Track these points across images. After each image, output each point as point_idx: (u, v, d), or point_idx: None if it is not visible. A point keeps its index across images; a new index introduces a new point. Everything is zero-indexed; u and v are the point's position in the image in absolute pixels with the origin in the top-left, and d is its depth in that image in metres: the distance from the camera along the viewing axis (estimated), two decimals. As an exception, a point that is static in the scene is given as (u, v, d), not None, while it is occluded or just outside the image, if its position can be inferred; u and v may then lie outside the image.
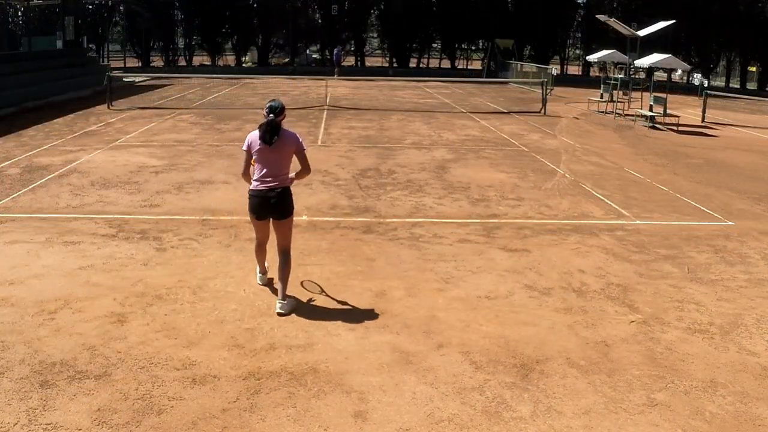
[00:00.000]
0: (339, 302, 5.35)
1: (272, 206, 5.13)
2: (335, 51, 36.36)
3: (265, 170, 5.10)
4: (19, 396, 3.87)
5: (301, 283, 5.68)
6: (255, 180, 5.15)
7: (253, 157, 5.15)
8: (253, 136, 5.13)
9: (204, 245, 6.65)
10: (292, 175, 5.25)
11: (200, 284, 5.61)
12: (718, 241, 7.35)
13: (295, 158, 5.25)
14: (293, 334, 4.75)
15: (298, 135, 5.28)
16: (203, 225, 7.35)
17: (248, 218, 7.28)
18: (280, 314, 5.06)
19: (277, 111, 5.08)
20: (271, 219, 5.24)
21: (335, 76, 25.78)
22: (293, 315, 5.07)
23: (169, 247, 6.59)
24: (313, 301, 5.37)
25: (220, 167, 10.46)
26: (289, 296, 5.24)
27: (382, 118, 17.15)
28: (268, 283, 5.65)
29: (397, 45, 43.28)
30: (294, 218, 5.35)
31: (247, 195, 5.24)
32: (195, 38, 42.83)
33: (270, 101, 5.16)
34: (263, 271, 5.70)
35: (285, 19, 41.84)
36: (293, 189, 5.29)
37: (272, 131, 5.03)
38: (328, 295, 5.48)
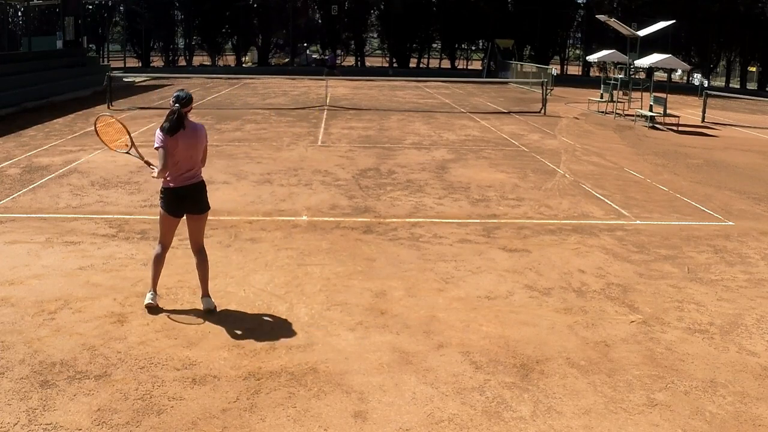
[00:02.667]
0: (339, 302, 5.35)
1: (191, 200, 4.96)
2: (330, 55, 36.47)
3: (179, 165, 4.87)
4: (19, 396, 3.87)
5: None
6: (170, 176, 4.89)
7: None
8: (159, 133, 4.86)
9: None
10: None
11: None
12: (718, 241, 7.35)
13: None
14: (293, 334, 4.75)
15: (204, 127, 5.08)
16: (203, 225, 7.34)
17: (249, 218, 7.28)
18: (209, 311, 5.01)
19: (184, 101, 4.84)
20: (186, 216, 5.04)
21: (324, 75, 25.81)
22: (293, 315, 5.07)
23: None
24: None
25: (220, 167, 10.46)
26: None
27: (382, 118, 17.15)
28: (157, 308, 5.07)
29: (397, 45, 43.26)
30: (208, 216, 5.17)
31: (160, 193, 5.03)
32: (195, 38, 42.82)
33: (178, 90, 4.99)
34: (155, 289, 5.14)
35: (285, 19, 41.83)
36: None
37: (177, 122, 4.79)
38: (328, 295, 5.48)
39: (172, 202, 4.97)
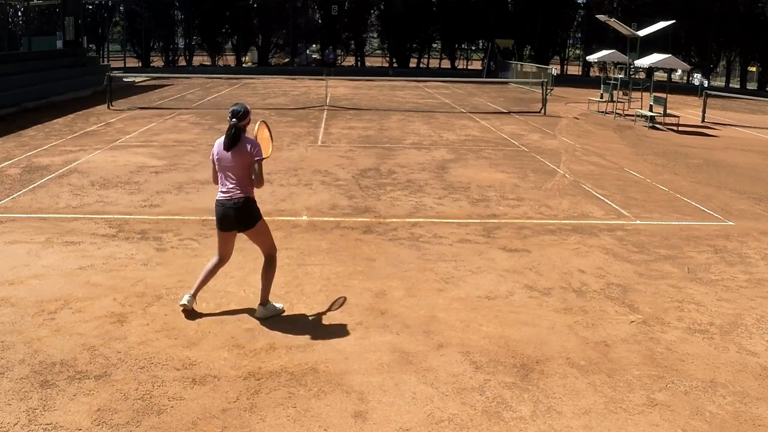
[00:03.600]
0: (339, 302, 5.35)
1: (234, 218, 4.84)
2: (330, 54, 36.51)
3: (226, 179, 4.85)
4: (19, 396, 3.87)
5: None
6: (219, 190, 4.92)
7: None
8: (219, 143, 4.89)
9: (204, 245, 6.65)
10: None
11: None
12: (718, 241, 7.35)
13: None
14: (293, 334, 4.75)
15: (258, 144, 4.92)
16: (203, 225, 7.35)
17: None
18: (260, 319, 4.94)
19: (240, 115, 4.79)
20: (238, 234, 4.99)
21: (324, 75, 25.85)
22: (293, 315, 5.06)
23: (169, 247, 6.59)
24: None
25: (220, 167, 10.46)
26: (270, 302, 5.05)
27: (382, 118, 17.15)
28: (191, 311, 4.99)
29: (397, 45, 43.27)
30: (261, 223, 4.98)
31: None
32: (195, 38, 42.83)
33: (234, 105, 4.92)
34: (194, 294, 5.02)
35: (285, 19, 41.84)
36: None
37: (233, 137, 4.76)
38: (328, 295, 5.48)
39: (218, 217, 4.93)
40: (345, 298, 5.40)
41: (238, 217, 4.85)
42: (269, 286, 5.03)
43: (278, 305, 5.13)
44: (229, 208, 4.83)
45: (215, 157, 4.90)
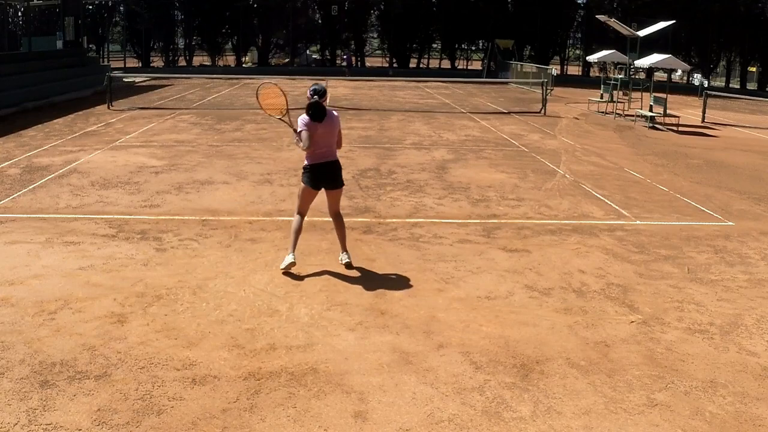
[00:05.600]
0: (339, 302, 5.35)
1: (329, 176, 5.84)
2: (345, 55, 36.73)
3: (320, 145, 5.74)
4: (19, 396, 3.87)
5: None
6: (312, 155, 5.77)
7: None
8: (305, 118, 5.68)
9: (204, 245, 6.65)
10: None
11: (200, 284, 5.61)
12: (718, 242, 7.35)
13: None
14: (293, 334, 4.75)
15: (338, 115, 5.93)
16: (203, 225, 7.35)
17: (249, 218, 7.29)
18: (347, 264, 6.00)
19: (321, 93, 5.71)
20: (324, 190, 5.91)
21: (347, 76, 26.00)
22: (293, 315, 5.07)
23: (169, 247, 6.59)
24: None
25: (220, 167, 10.47)
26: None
27: (382, 119, 17.15)
28: (289, 272, 5.81)
29: (397, 45, 43.27)
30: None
31: (302, 169, 5.91)
32: (195, 38, 42.82)
33: (314, 85, 5.80)
34: (293, 251, 5.85)
35: (285, 19, 41.83)
36: None
37: (321, 111, 5.66)
38: (328, 295, 5.49)
39: (312, 178, 5.84)
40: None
41: (338, 176, 5.91)
42: (345, 236, 6.11)
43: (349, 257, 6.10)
44: (330, 170, 5.84)
45: (308, 128, 5.69)
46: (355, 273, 6.01)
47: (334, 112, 5.88)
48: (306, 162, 5.87)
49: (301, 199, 5.98)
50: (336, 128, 5.85)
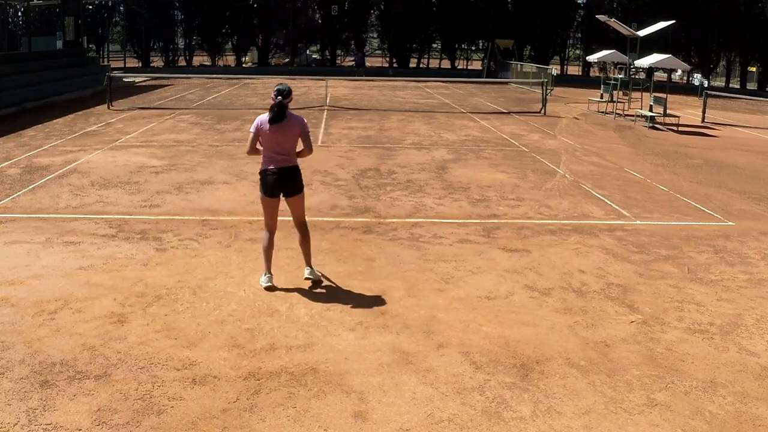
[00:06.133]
0: (339, 302, 5.35)
1: (283, 183, 5.42)
2: (357, 55, 36.88)
3: (276, 150, 5.39)
4: (19, 396, 3.87)
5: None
6: (265, 160, 5.44)
7: (260, 138, 5.46)
8: (263, 118, 5.42)
9: (204, 245, 6.65)
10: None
11: (200, 284, 5.61)
12: (718, 242, 7.35)
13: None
14: (293, 334, 4.75)
15: (302, 119, 5.55)
16: (203, 225, 7.35)
17: (249, 218, 7.28)
18: (308, 279, 5.59)
19: (285, 93, 5.34)
20: (282, 197, 5.52)
21: (362, 76, 26.09)
22: (293, 315, 5.07)
23: (169, 247, 6.59)
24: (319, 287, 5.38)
25: (220, 167, 10.47)
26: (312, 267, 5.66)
27: (382, 119, 17.15)
28: (274, 288, 5.52)
29: (397, 45, 43.28)
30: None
31: (258, 177, 5.56)
32: (195, 38, 42.83)
33: (278, 85, 5.42)
34: (270, 271, 5.57)
35: (285, 19, 41.84)
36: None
37: (279, 113, 5.30)
38: (328, 295, 5.49)
39: (264, 184, 5.47)
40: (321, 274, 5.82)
41: (292, 183, 5.47)
42: (310, 249, 5.68)
43: (318, 272, 5.72)
44: (284, 176, 5.41)
45: (261, 131, 5.41)
46: (354, 273, 6.01)
47: (299, 117, 5.50)
48: (260, 169, 5.53)
49: (263, 211, 5.62)
50: (295, 133, 5.43)
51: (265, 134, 5.39)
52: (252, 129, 5.48)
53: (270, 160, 5.42)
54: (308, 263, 5.66)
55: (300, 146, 5.59)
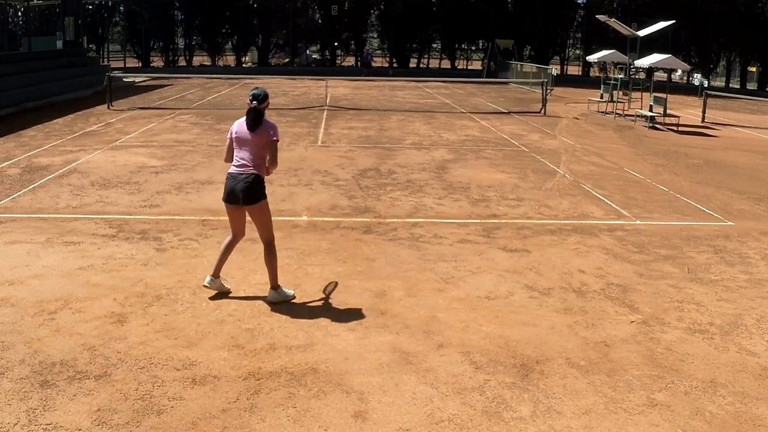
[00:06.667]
0: (339, 302, 5.35)
1: (240, 190, 5.07)
2: (367, 55, 36.84)
3: (241, 155, 5.15)
4: (19, 396, 3.87)
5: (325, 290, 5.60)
6: (232, 164, 5.21)
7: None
8: (239, 122, 5.23)
9: (204, 245, 6.65)
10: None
11: (200, 284, 5.60)
12: (718, 242, 7.35)
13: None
14: (293, 334, 4.75)
15: (276, 126, 5.25)
16: (203, 225, 7.35)
17: (249, 218, 7.28)
18: (269, 301, 5.23)
19: (260, 98, 5.14)
20: (245, 209, 5.21)
21: (364, 76, 26.04)
22: (293, 315, 5.07)
23: (169, 247, 6.59)
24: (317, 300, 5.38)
25: (220, 167, 10.46)
26: (281, 287, 5.30)
27: (382, 119, 17.15)
28: (219, 289, 5.35)
29: (397, 45, 43.30)
30: (266, 208, 5.24)
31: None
32: (195, 38, 42.85)
33: (253, 89, 5.26)
34: (216, 274, 5.32)
35: (285, 19, 41.86)
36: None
37: (255, 119, 5.11)
38: (328, 295, 5.48)
39: (226, 188, 5.17)
40: (336, 283, 5.66)
41: (246, 190, 5.08)
42: (275, 270, 5.27)
43: (289, 292, 5.36)
44: (240, 182, 5.09)
45: (233, 135, 5.20)
46: (354, 273, 6.01)
47: (272, 125, 5.21)
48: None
49: (228, 217, 5.39)
50: (264, 140, 5.12)
51: (237, 138, 5.18)
52: (229, 135, 5.27)
53: (234, 164, 5.18)
54: (271, 284, 5.27)
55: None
